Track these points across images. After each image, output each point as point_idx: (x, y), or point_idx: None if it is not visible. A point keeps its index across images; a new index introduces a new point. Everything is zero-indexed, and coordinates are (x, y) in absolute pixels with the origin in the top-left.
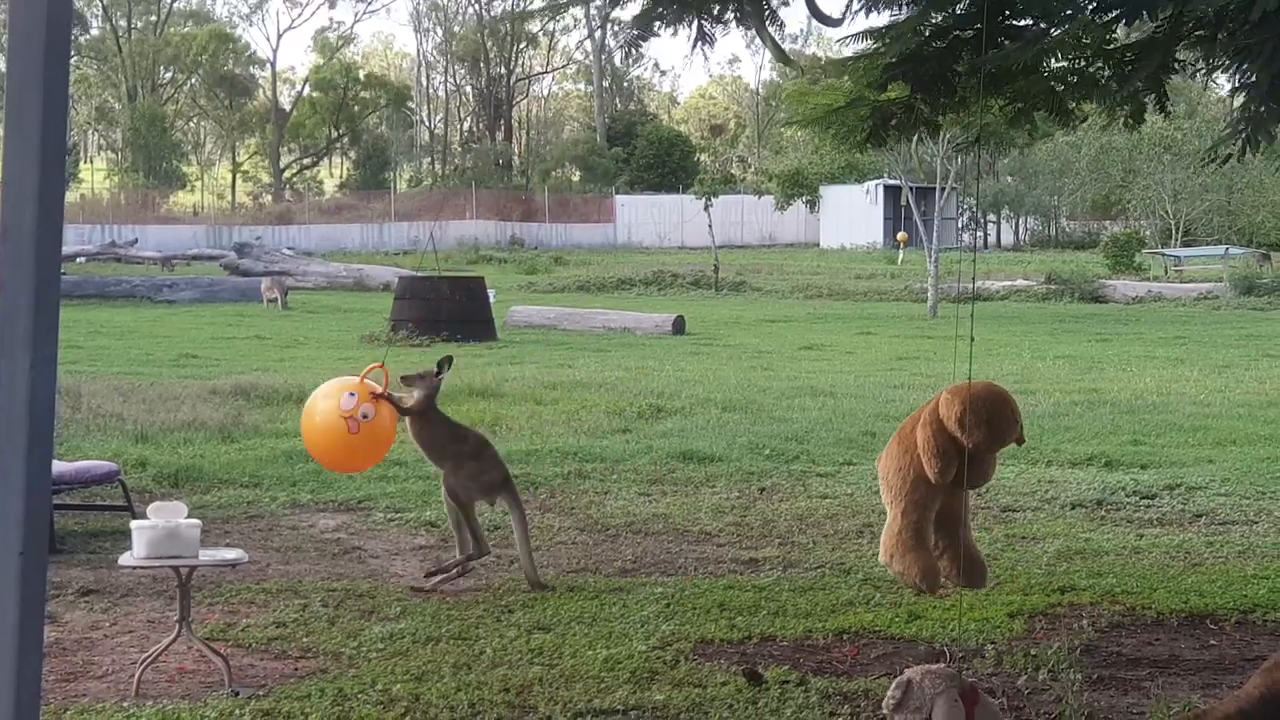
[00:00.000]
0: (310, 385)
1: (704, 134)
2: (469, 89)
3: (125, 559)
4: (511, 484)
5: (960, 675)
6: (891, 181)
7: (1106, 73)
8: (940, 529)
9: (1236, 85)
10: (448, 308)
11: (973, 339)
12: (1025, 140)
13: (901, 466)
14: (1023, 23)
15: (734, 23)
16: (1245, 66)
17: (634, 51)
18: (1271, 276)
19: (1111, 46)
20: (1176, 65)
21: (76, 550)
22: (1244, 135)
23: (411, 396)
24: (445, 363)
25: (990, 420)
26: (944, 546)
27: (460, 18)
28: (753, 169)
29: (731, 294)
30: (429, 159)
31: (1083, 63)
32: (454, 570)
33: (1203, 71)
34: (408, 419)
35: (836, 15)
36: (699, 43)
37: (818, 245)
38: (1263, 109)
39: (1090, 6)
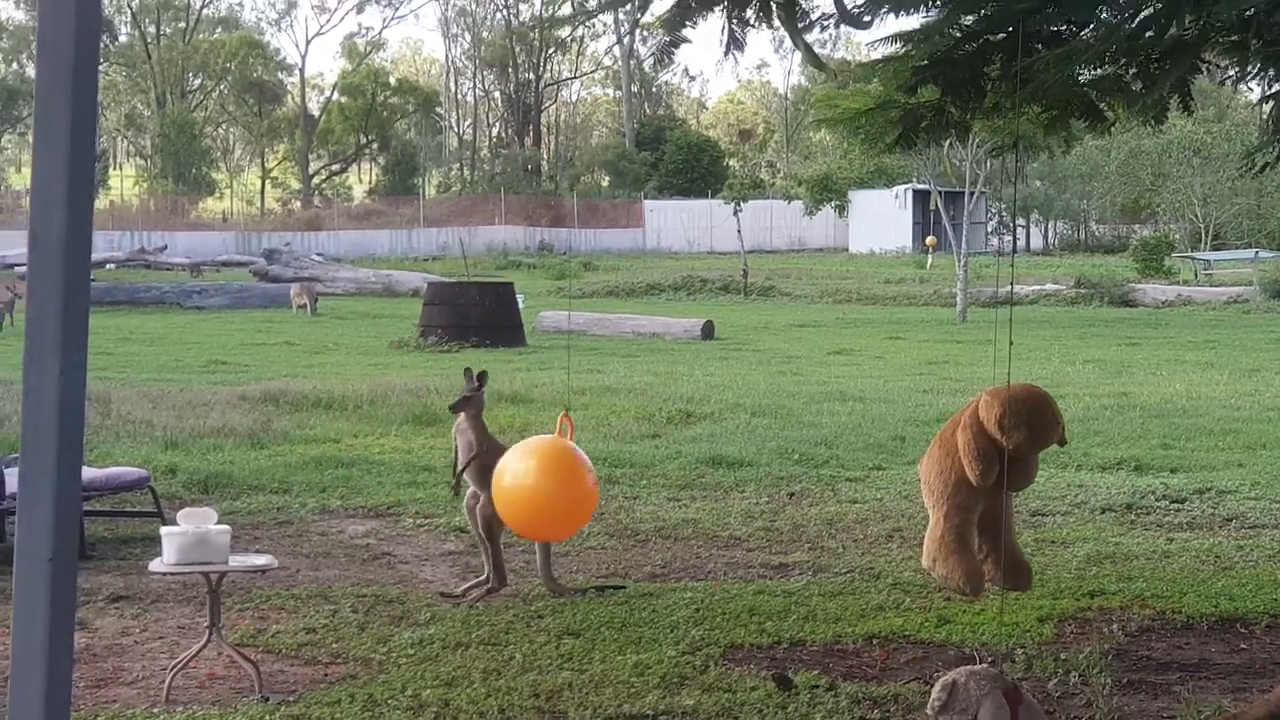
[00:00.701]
0: (339, 391)
1: (733, 139)
2: (498, 94)
3: (155, 565)
4: None
5: (1003, 675)
6: (920, 186)
7: (1133, 73)
8: (983, 532)
9: (1267, 94)
10: (477, 313)
11: (1011, 342)
12: (1063, 148)
13: (943, 470)
14: (1055, 28)
15: (766, 24)
16: (1274, 73)
17: (665, 59)
18: None
19: (1140, 48)
20: (1204, 67)
21: (107, 556)
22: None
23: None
24: (481, 376)
25: (1030, 421)
26: (987, 549)
27: (489, 23)
28: (781, 174)
29: (760, 299)
30: (458, 164)
31: (1110, 65)
32: (481, 591)
33: (1233, 79)
34: (461, 439)
35: (866, 19)
36: (730, 48)
37: (847, 250)
38: None
39: (1124, 13)
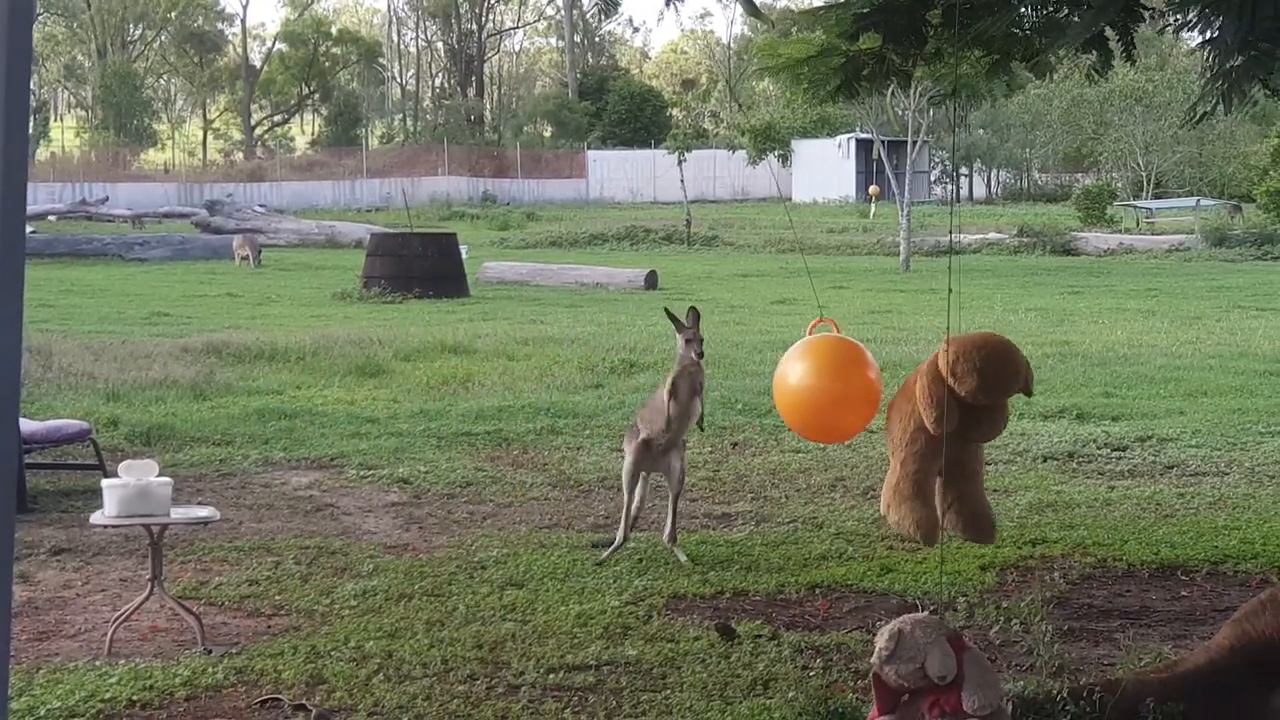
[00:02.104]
0: (282, 342)
1: (676, 89)
2: (440, 45)
3: (97, 517)
4: None
5: (945, 622)
6: (864, 135)
7: (1069, 13)
8: (949, 483)
9: (1206, 39)
10: (420, 264)
11: (950, 290)
12: (1004, 92)
13: (903, 417)
14: None
15: None
16: (1215, 20)
17: (611, 8)
18: (1243, 228)
19: None
20: (1143, 11)
21: (48, 509)
22: (1220, 92)
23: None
24: (693, 314)
25: (983, 369)
26: (952, 500)
27: None
28: (725, 124)
29: (704, 249)
30: (400, 115)
31: (1051, 9)
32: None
33: (1172, 28)
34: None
35: None
36: None
37: (790, 199)
38: (1237, 64)
39: None
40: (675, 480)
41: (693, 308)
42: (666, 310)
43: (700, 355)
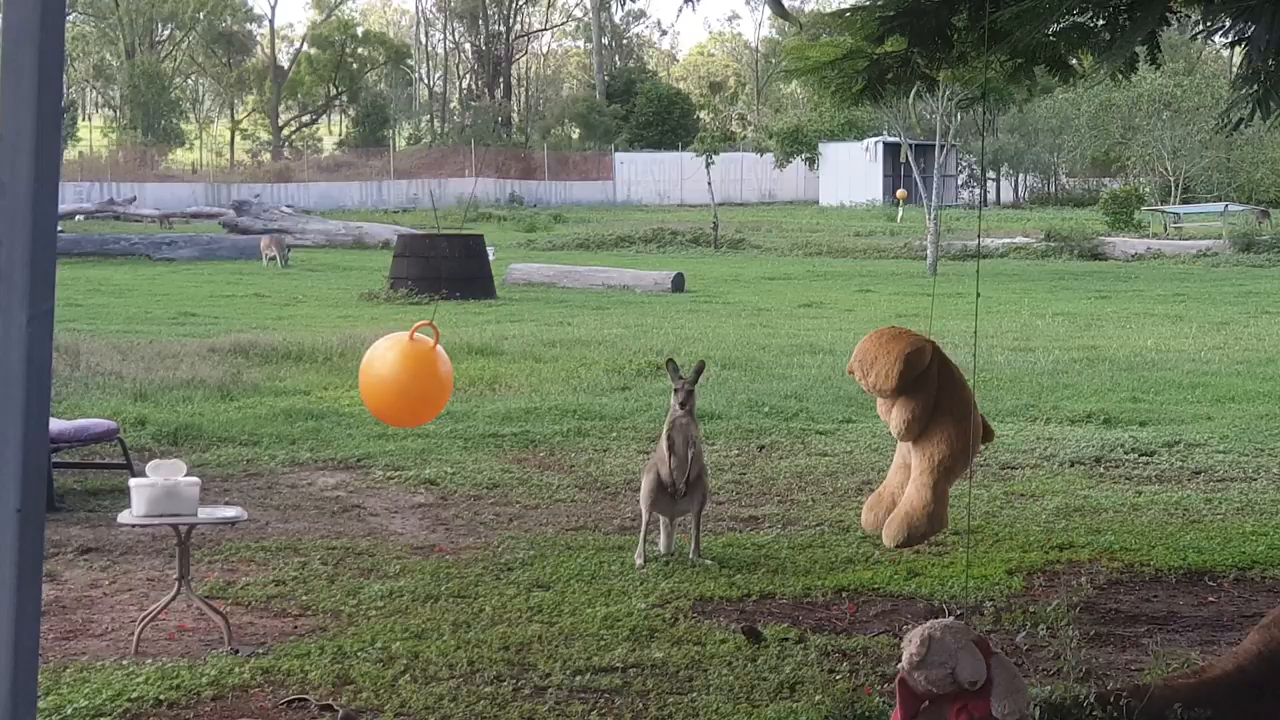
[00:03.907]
0: (309, 343)
1: (704, 91)
2: (468, 46)
3: (124, 517)
4: None
5: (969, 627)
6: (891, 139)
7: (1101, 24)
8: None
9: (1234, 40)
10: (447, 265)
11: (979, 295)
12: (1025, 97)
13: None
14: None
15: None
16: (1245, 26)
17: None
18: (1270, 233)
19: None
20: (1173, 18)
21: (76, 508)
22: (1255, 97)
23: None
24: (699, 368)
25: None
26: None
27: None
28: (752, 126)
29: (731, 251)
30: (428, 116)
31: (1079, 15)
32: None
33: (1203, 34)
34: (683, 435)
35: None
36: None
37: (817, 202)
38: (1270, 67)
39: None
40: (696, 508)
41: (670, 360)
42: (669, 361)
43: (682, 405)
